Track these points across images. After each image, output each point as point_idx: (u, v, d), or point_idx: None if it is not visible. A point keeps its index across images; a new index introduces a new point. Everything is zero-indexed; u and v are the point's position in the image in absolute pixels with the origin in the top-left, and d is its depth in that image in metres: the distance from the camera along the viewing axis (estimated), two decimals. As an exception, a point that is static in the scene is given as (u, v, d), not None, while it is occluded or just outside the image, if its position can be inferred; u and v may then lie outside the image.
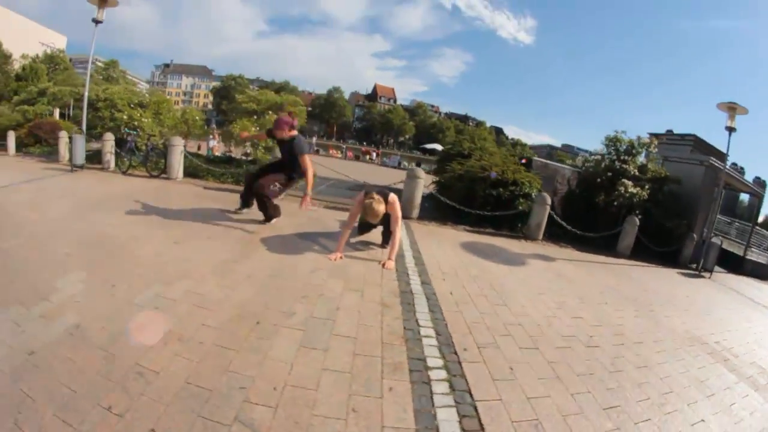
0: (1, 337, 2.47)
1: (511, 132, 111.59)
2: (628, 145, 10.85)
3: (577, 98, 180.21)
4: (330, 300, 3.51)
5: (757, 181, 24.06)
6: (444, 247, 6.21)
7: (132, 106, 13.02)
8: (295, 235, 5.52)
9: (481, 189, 8.57)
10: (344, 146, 69.72)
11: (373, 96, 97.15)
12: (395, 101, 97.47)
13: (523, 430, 2.28)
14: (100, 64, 46.84)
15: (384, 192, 4.69)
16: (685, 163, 12.14)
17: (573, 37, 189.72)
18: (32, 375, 2.15)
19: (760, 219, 22.64)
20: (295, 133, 5.51)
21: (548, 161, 12.14)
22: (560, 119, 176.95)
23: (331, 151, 54.60)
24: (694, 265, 10.88)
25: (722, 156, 12.44)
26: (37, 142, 13.83)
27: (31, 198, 6.46)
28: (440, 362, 2.81)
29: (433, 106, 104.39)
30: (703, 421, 2.85)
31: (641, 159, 10.77)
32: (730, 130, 10.77)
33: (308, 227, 6.00)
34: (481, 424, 2.27)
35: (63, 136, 11.63)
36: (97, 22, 10.11)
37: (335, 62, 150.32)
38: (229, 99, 73.07)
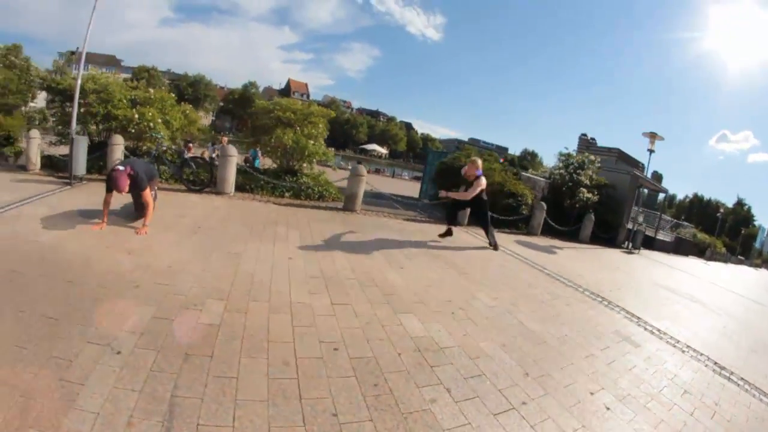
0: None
1: (418, 126, 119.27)
2: (579, 162, 15.38)
3: (480, 93, 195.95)
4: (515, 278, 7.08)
5: (655, 174, 30.43)
6: (510, 245, 9.96)
7: (125, 101, 10.61)
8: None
9: (501, 200, 12.35)
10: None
11: (286, 91, 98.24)
12: (308, 96, 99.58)
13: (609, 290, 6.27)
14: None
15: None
16: (615, 172, 17.12)
17: (480, 33, 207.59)
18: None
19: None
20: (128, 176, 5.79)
21: (530, 175, 16.48)
22: (464, 113, 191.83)
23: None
24: (624, 245, 16.15)
25: (635, 162, 17.90)
26: None
27: (75, 236, 5.16)
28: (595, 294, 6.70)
29: (345, 102, 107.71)
30: (676, 312, 7.25)
31: (589, 173, 15.24)
32: (651, 151, 16.10)
33: (423, 236, 8.88)
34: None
35: (35, 136, 9.73)
36: None
37: (240, 54, 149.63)
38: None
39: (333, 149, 14.00)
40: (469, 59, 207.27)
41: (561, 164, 15.84)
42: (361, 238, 7.41)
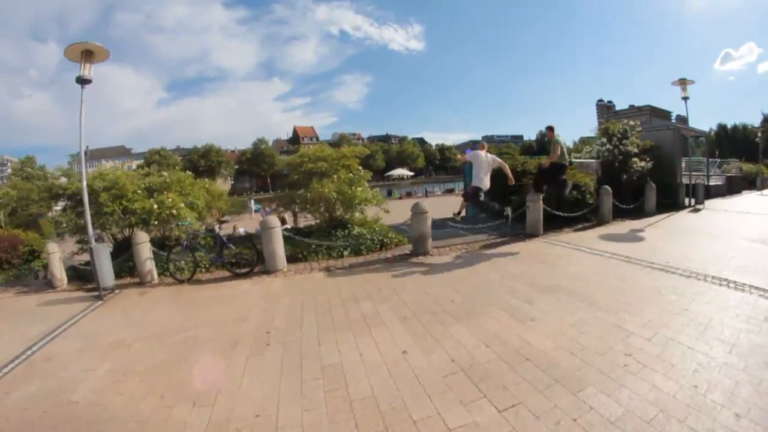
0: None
1: (430, 138, 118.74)
2: (620, 131, 14.18)
3: (481, 89, 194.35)
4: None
5: (680, 117, 28.75)
6: (596, 243, 9.05)
7: (139, 192, 9.82)
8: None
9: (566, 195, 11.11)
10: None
11: (295, 139, 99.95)
12: (317, 139, 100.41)
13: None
14: (14, 163, 42.05)
15: None
16: (655, 130, 15.97)
17: (460, 30, 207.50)
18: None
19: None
20: None
21: (581, 160, 15.24)
22: (471, 112, 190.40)
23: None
24: (687, 203, 15.02)
25: (666, 113, 16.65)
26: None
27: (115, 384, 4.15)
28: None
29: (354, 135, 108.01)
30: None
31: (634, 139, 14.10)
32: (685, 99, 14.69)
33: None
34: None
35: (54, 250, 8.90)
36: (83, 81, 7.81)
37: (241, 115, 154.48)
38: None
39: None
40: (460, 58, 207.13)
41: (604, 139, 14.61)
42: (459, 288, 6.33)
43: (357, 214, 10.80)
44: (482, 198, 9.14)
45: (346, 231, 10.16)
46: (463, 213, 10.04)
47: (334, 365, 4.12)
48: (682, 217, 12.80)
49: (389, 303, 5.90)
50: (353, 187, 10.30)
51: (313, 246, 9.30)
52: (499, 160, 9.20)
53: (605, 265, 7.18)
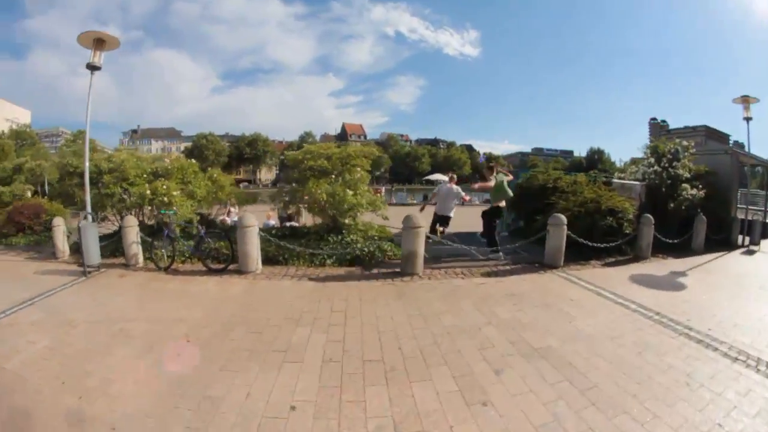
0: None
1: (478, 146, 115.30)
2: (671, 151, 12.10)
3: (531, 100, 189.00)
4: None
5: (737, 143, 25.81)
6: (622, 287, 7.23)
7: (145, 176, 9.92)
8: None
9: (598, 222, 9.28)
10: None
11: (343, 135, 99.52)
12: (365, 137, 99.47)
13: None
14: (67, 136, 43.23)
15: None
16: (710, 154, 13.80)
17: (517, 38, 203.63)
18: None
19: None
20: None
21: (623, 181, 13.20)
22: (523, 123, 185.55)
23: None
24: (741, 242, 12.74)
25: (724, 136, 14.26)
26: (20, 230, 11.45)
27: (42, 360, 4.16)
28: None
29: (402, 136, 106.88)
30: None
31: (686, 162, 12.06)
32: (748, 119, 12.63)
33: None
34: None
35: (59, 224, 9.43)
36: (93, 68, 8.18)
37: (295, 108, 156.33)
38: (203, 158, 69.75)
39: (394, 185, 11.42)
40: (514, 67, 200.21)
41: (652, 159, 12.54)
42: (420, 330, 4.89)
43: (347, 220, 9.64)
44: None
45: (340, 237, 9.20)
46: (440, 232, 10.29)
47: (213, 399, 3.46)
48: (734, 259, 10.74)
49: (328, 334, 4.85)
50: (349, 191, 9.32)
51: (297, 250, 8.38)
52: (463, 193, 10.59)
53: (626, 324, 5.42)
